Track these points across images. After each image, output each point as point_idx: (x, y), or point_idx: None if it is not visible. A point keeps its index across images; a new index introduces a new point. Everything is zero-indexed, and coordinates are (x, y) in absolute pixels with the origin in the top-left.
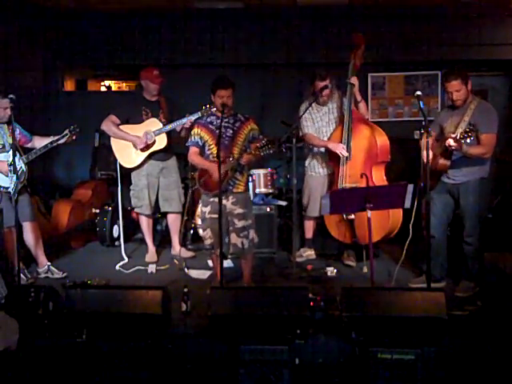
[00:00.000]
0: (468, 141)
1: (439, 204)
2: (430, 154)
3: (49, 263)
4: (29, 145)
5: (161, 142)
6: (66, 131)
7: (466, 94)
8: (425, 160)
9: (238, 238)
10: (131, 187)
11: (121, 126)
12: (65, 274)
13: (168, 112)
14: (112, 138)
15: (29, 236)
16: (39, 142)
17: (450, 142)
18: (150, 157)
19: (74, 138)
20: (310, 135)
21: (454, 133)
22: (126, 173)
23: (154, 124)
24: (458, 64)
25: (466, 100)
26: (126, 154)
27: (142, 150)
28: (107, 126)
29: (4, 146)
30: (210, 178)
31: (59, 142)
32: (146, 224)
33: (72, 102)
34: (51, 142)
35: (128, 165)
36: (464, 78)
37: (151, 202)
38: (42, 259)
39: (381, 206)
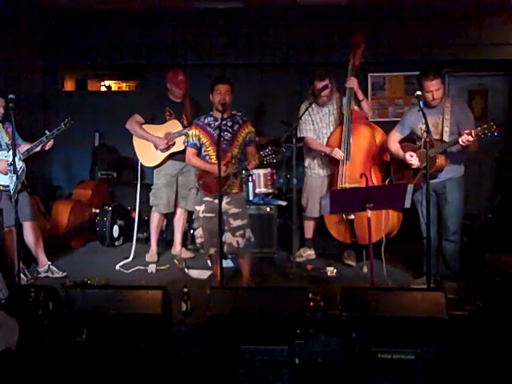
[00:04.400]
0: (489, 135)
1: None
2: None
3: (49, 262)
4: (18, 148)
5: (180, 144)
6: (61, 125)
7: (443, 92)
8: (415, 162)
9: (233, 238)
10: (152, 186)
11: (144, 126)
12: (65, 274)
13: (192, 114)
14: (134, 137)
15: (29, 235)
16: (25, 148)
17: (469, 138)
18: (170, 157)
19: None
20: (309, 139)
21: (438, 133)
22: (127, 172)
23: (174, 126)
24: (434, 64)
25: (442, 100)
26: (147, 153)
27: (162, 150)
28: (131, 125)
29: (0, 145)
30: (210, 180)
31: (54, 134)
32: (156, 223)
33: (72, 102)
34: (46, 136)
35: (148, 164)
36: (442, 77)
37: (169, 201)
38: (42, 259)
39: (381, 206)
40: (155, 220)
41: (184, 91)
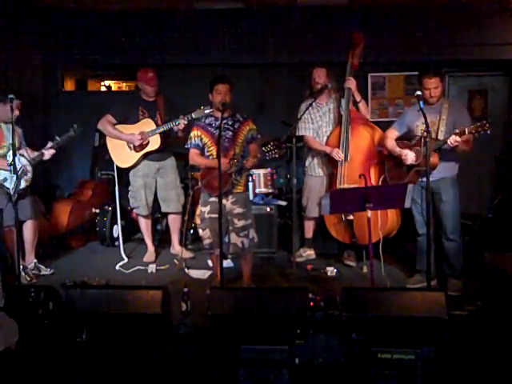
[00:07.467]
0: (482, 132)
1: (423, 203)
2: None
3: (35, 260)
4: (25, 151)
5: (154, 143)
6: (71, 131)
7: (442, 92)
8: (410, 160)
9: (237, 238)
10: (129, 188)
11: (116, 126)
12: (52, 271)
13: (166, 112)
14: (108, 138)
15: (28, 234)
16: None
17: (456, 138)
18: (144, 157)
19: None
20: (309, 137)
21: (434, 132)
22: (126, 173)
23: (148, 125)
24: (434, 64)
25: (440, 99)
26: (121, 154)
27: (136, 150)
28: (103, 125)
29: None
30: (213, 179)
31: (65, 141)
32: (144, 224)
33: (72, 102)
34: (57, 142)
35: (122, 164)
36: (441, 76)
37: (148, 202)
38: (31, 256)
39: (381, 206)
40: (142, 222)
41: (155, 88)
